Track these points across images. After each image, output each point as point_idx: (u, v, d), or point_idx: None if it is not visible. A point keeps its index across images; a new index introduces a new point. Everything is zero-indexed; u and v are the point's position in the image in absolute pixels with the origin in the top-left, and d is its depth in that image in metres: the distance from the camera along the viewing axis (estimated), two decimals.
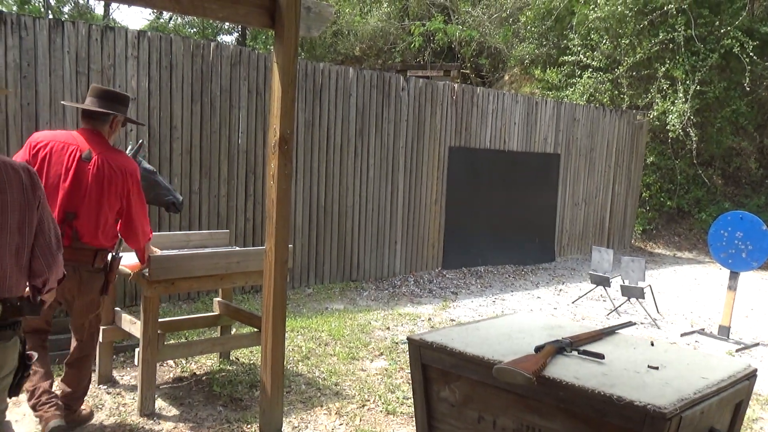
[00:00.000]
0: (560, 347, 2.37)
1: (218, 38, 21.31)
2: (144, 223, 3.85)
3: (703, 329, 7.19)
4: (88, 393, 4.32)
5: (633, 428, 1.95)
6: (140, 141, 5.19)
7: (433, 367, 2.54)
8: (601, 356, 2.31)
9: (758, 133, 14.19)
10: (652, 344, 2.61)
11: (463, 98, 9.40)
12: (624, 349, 2.50)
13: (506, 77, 17.24)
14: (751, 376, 2.35)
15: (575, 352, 2.38)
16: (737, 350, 6.48)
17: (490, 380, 2.29)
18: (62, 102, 5.82)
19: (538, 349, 2.34)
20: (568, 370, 2.20)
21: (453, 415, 2.50)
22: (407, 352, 5.64)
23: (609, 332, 2.68)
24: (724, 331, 6.87)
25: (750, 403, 2.85)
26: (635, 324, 3.32)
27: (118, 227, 3.82)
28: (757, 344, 6.79)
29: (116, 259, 3.83)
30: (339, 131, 8.02)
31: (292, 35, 3.52)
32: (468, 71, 16.59)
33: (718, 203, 13.86)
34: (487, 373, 2.30)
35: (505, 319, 2.94)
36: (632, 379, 2.14)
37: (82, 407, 3.93)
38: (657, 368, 2.26)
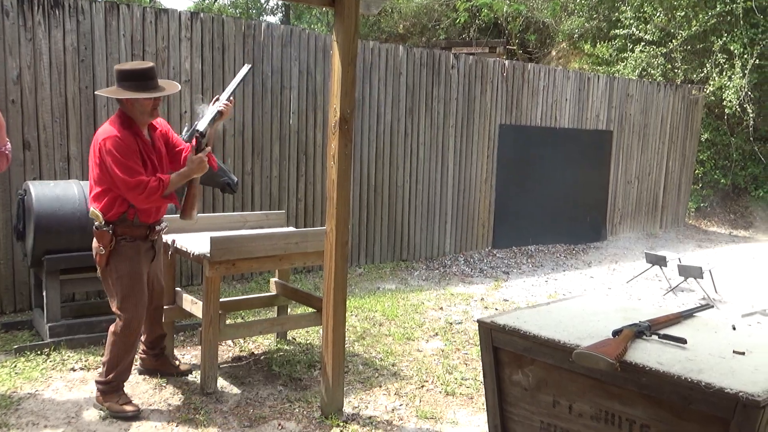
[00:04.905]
0: (639, 331, 2.30)
1: (262, 18, 21.34)
2: (125, 183, 3.54)
3: (765, 310, 6.97)
4: (153, 372, 4.41)
5: (722, 416, 1.88)
6: (195, 123, 5.23)
7: (505, 350, 2.51)
8: (683, 341, 2.23)
9: None
10: (734, 328, 2.52)
11: (513, 75, 9.23)
12: (705, 333, 2.42)
13: (553, 53, 16.89)
14: None
15: (655, 336, 2.31)
16: None
17: (566, 364, 2.25)
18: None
19: (616, 332, 2.28)
20: (650, 355, 2.14)
21: (526, 399, 2.47)
22: (462, 333, 5.63)
23: (687, 315, 2.60)
24: None
25: None
26: (713, 306, 3.22)
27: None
28: None
29: (119, 242, 3.70)
30: (389, 110, 7.97)
31: (353, 13, 3.47)
32: (514, 47, 16.30)
33: None
34: (563, 357, 2.25)
35: (575, 300, 2.88)
36: (719, 364, 2.07)
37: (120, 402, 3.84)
38: (743, 353, 2.18)
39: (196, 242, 4.25)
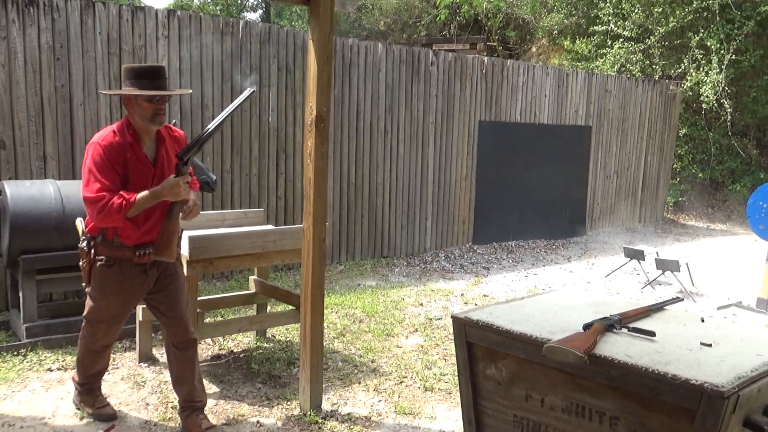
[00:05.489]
0: (609, 324, 2.34)
1: (241, 15, 21.24)
2: (84, 196, 3.18)
3: (740, 302, 7.08)
4: (130, 370, 4.40)
5: (689, 407, 1.92)
6: (173, 121, 5.21)
7: (479, 345, 2.53)
8: (652, 333, 2.27)
9: None
10: (703, 320, 2.56)
11: (492, 71, 9.27)
12: (674, 325, 2.46)
13: (533, 49, 16.98)
14: None
15: (625, 330, 2.34)
16: None
17: (538, 358, 2.27)
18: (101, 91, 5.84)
19: (586, 326, 2.31)
20: (618, 347, 2.17)
21: (499, 393, 2.49)
22: (442, 329, 5.66)
23: (657, 308, 2.64)
24: (763, 304, 6.76)
25: None
26: (683, 299, 3.27)
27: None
28: None
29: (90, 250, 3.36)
30: (369, 108, 7.98)
31: (328, 12, 3.48)
32: (494, 44, 16.37)
33: (753, 174, 13.59)
34: (535, 351, 2.28)
35: (549, 295, 2.91)
36: (686, 356, 2.11)
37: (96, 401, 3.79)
38: (710, 345, 2.22)
39: None
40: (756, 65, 12.79)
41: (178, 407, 3.70)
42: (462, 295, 6.90)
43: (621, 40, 13.41)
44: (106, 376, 4.06)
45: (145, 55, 6.15)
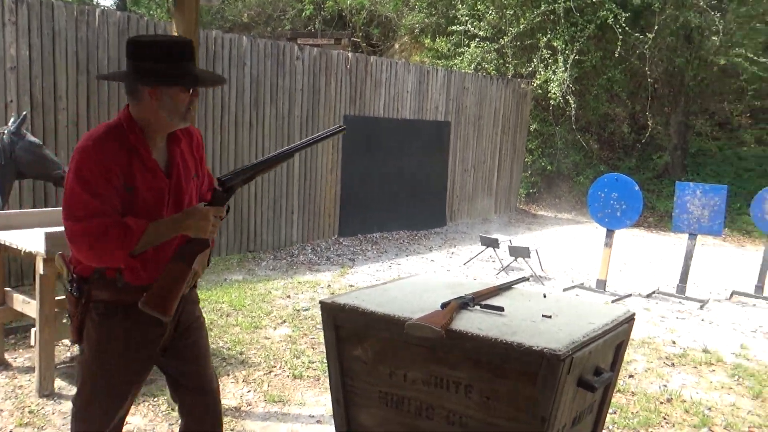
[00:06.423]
0: (464, 303, 2.55)
1: (95, 3, 20.14)
2: (65, 226, 2.22)
3: (582, 283, 7.75)
4: None
5: (532, 370, 2.15)
6: (23, 113, 4.95)
7: (346, 328, 2.66)
8: (501, 309, 2.50)
9: (630, 100, 15.19)
10: (545, 296, 2.85)
11: (356, 67, 9.47)
12: (520, 302, 2.72)
13: (396, 46, 17.44)
14: (630, 320, 2.63)
15: (478, 307, 2.56)
16: (612, 301, 7.03)
17: (401, 337, 2.44)
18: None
19: (444, 305, 2.51)
20: (472, 322, 2.38)
21: (365, 371, 2.64)
22: (310, 319, 5.77)
23: (506, 288, 2.90)
24: (601, 285, 7.44)
25: None
26: (528, 279, 3.58)
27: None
28: (629, 295, 7.42)
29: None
30: (233, 101, 7.91)
31: (193, 3, 3.47)
32: (359, 40, 16.64)
33: (594, 166, 14.79)
34: (398, 331, 2.44)
35: (410, 279, 3.10)
36: (530, 327, 2.35)
37: None
38: (550, 317, 2.49)
39: (27, 239, 4.05)
40: (596, 65, 13.92)
41: None
42: (329, 286, 7.04)
43: (477, 39, 14.10)
44: None
45: None
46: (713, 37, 13.31)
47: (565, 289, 7.48)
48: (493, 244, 8.33)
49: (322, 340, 5.26)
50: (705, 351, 5.60)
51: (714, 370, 5.19)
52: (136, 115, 2.30)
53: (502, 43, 13.72)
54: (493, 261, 8.85)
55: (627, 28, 12.67)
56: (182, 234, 2.34)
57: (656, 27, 12.76)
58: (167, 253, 2.37)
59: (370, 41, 17.41)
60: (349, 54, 9.49)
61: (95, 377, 2.40)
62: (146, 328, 2.39)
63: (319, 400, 4.14)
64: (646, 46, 12.89)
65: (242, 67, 7.94)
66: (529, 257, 7.94)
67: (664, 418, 4.22)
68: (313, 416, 3.95)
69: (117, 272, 2.31)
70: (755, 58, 13.11)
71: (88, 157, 2.20)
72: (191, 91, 2.31)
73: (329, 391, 2.80)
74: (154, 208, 2.33)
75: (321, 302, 2.74)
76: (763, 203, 7.51)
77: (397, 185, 10.36)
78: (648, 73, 13.44)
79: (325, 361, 4.76)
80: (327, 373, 4.45)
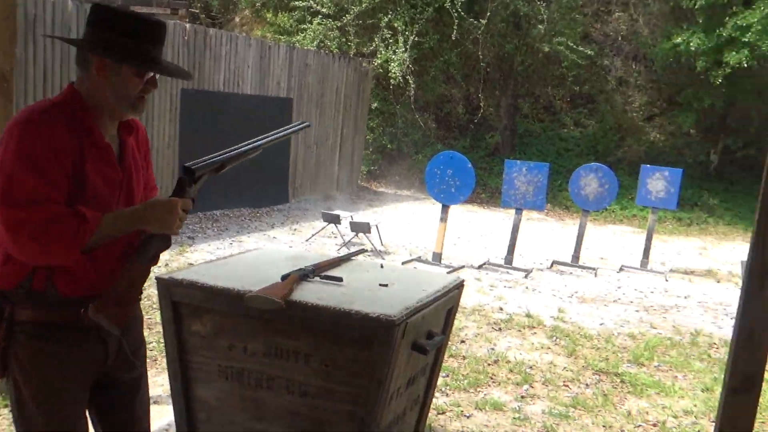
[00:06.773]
0: (304, 274, 2.59)
1: None
2: (11, 221, 1.77)
3: (420, 257, 8.09)
4: None
5: (368, 336, 2.24)
6: None
7: (184, 303, 2.61)
8: (339, 279, 2.57)
9: (465, 82, 15.94)
10: (382, 267, 2.96)
11: (195, 39, 9.14)
12: (359, 272, 2.81)
13: (237, 19, 16.99)
14: (459, 286, 2.81)
15: (317, 278, 2.62)
16: (447, 272, 7.42)
17: (240, 310, 2.44)
18: None
19: (284, 277, 2.54)
20: (312, 293, 2.43)
21: (204, 346, 2.61)
22: (145, 299, 5.54)
23: (345, 259, 2.98)
24: (437, 257, 7.81)
25: (457, 315, 3.38)
26: (367, 251, 3.69)
27: None
28: (462, 266, 7.87)
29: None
30: (58, 71, 7.34)
31: None
32: (197, 11, 16.02)
33: (432, 145, 15.40)
34: (237, 304, 2.43)
35: (251, 253, 3.10)
36: (367, 296, 2.44)
37: None
38: (386, 285, 2.60)
39: None
40: (434, 47, 14.44)
41: None
42: (166, 265, 6.82)
43: (320, 16, 14.08)
44: None
45: None
46: (539, 26, 14.29)
47: (403, 263, 7.77)
48: (335, 220, 8.45)
49: (158, 319, 5.09)
50: (528, 316, 6.08)
51: (535, 333, 5.66)
52: (83, 91, 1.95)
53: (345, 21, 13.82)
54: (335, 237, 8.98)
55: (462, 13, 13.25)
56: (138, 230, 2.01)
57: (488, 14, 13.47)
58: (112, 256, 2.00)
59: (210, 13, 16.83)
60: (187, 25, 9.13)
61: (27, 407, 1.95)
62: (90, 347, 2.02)
63: (156, 381, 4.02)
64: (480, 32, 13.56)
65: (67, 33, 7.38)
66: (370, 233, 8.15)
67: (491, 378, 4.55)
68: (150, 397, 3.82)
69: (48, 283, 1.88)
70: (574, 46, 14.25)
71: (35, 131, 1.80)
72: (146, 77, 1.97)
73: (167, 371, 2.74)
74: (104, 200, 1.96)
75: (157, 278, 2.66)
76: (579, 180, 8.24)
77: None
78: (481, 57, 14.17)
79: (161, 341, 4.62)
80: (164, 353, 4.33)
